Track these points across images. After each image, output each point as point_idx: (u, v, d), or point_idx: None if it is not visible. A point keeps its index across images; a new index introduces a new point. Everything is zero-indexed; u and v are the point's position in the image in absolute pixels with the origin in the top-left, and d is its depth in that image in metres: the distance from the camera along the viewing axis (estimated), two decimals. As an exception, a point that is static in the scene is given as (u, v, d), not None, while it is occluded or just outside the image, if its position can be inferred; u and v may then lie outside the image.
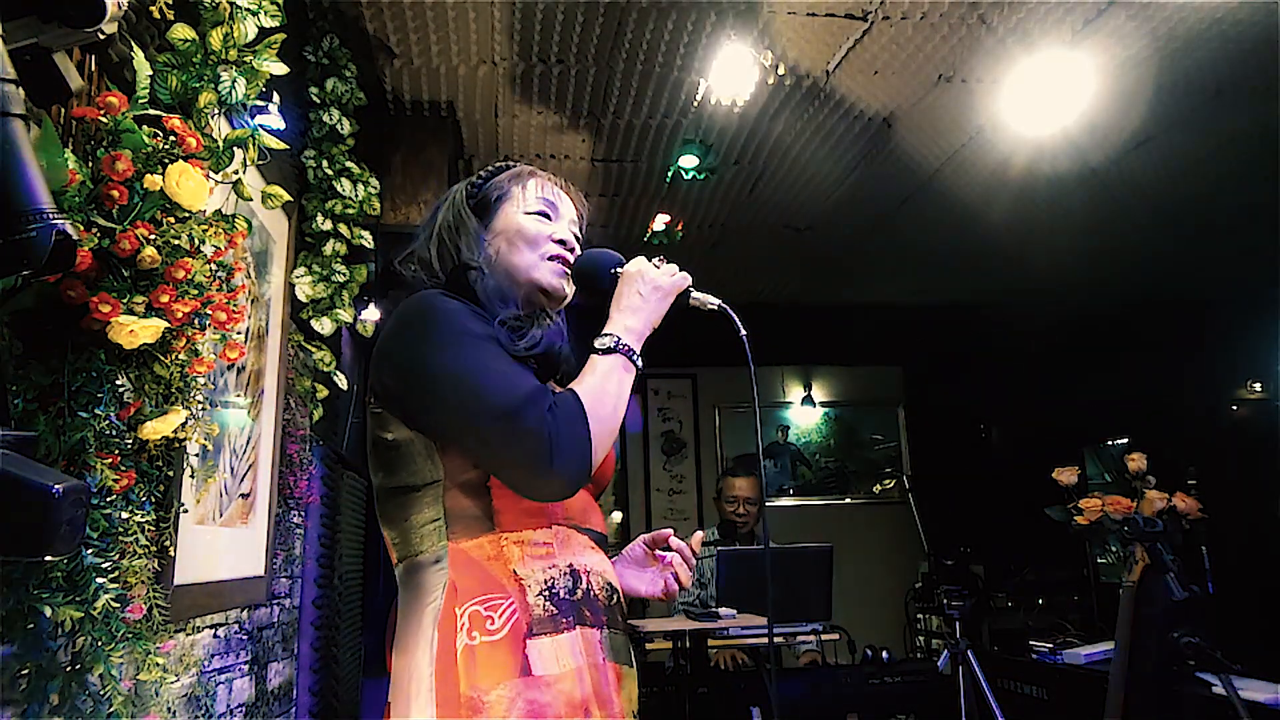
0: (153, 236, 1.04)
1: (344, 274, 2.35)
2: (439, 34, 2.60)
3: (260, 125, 1.43)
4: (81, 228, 0.98)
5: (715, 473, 6.13)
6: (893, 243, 4.36)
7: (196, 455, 1.46)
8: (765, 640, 2.90)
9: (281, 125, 1.68)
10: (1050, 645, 3.04)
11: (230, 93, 1.32)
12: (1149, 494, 2.33)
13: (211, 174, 1.24)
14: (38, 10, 0.84)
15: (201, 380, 1.19)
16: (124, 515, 1.03)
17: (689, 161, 3.31)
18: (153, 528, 1.11)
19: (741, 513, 3.42)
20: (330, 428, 2.59)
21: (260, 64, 1.37)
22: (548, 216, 1.19)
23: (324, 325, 2.31)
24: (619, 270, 1.15)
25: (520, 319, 1.10)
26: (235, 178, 1.34)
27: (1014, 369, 5.77)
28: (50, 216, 0.77)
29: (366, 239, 2.42)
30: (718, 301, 1.16)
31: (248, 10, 1.36)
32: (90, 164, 1.04)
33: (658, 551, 1.23)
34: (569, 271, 1.18)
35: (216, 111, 1.32)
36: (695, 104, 3.00)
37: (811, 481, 6.36)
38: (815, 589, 3.06)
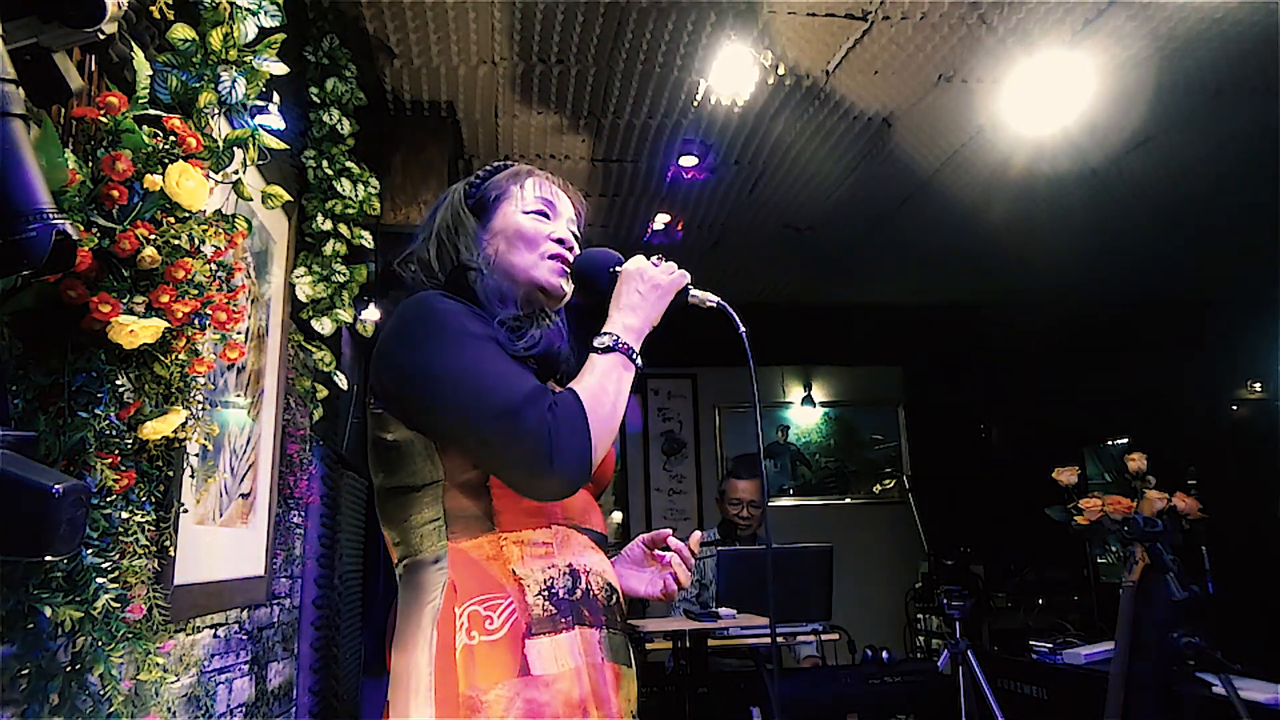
0: (153, 236, 1.04)
1: (344, 274, 2.35)
2: (439, 34, 2.60)
3: (260, 125, 1.43)
4: (81, 228, 0.98)
5: (715, 473, 6.14)
6: (893, 243, 4.36)
7: (196, 455, 1.46)
8: (766, 640, 2.90)
9: (281, 125, 1.68)
10: (1050, 645, 3.04)
11: (230, 93, 1.32)
12: (1149, 494, 2.33)
13: (211, 174, 1.24)
14: (38, 10, 0.84)
15: (201, 380, 1.19)
16: (124, 515, 1.03)
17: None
18: (153, 528, 1.11)
19: (745, 516, 3.41)
20: (330, 428, 2.59)
21: (260, 64, 1.37)
22: (546, 216, 1.19)
23: (324, 325, 2.31)
24: (618, 269, 1.15)
25: (520, 319, 1.11)
26: (235, 178, 1.34)
27: (1014, 369, 5.77)
28: (50, 216, 0.77)
29: (366, 239, 2.42)
30: (716, 299, 1.16)
31: (248, 10, 1.36)
32: (90, 164, 1.04)
33: (656, 552, 1.23)
34: (568, 271, 1.18)
35: (216, 111, 1.32)
36: (695, 104, 3.00)
37: (811, 481, 6.36)
38: (815, 589, 3.06)
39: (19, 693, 0.93)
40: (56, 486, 0.75)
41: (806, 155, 3.43)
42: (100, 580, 0.97)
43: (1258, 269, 4.30)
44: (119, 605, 1.01)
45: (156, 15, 1.25)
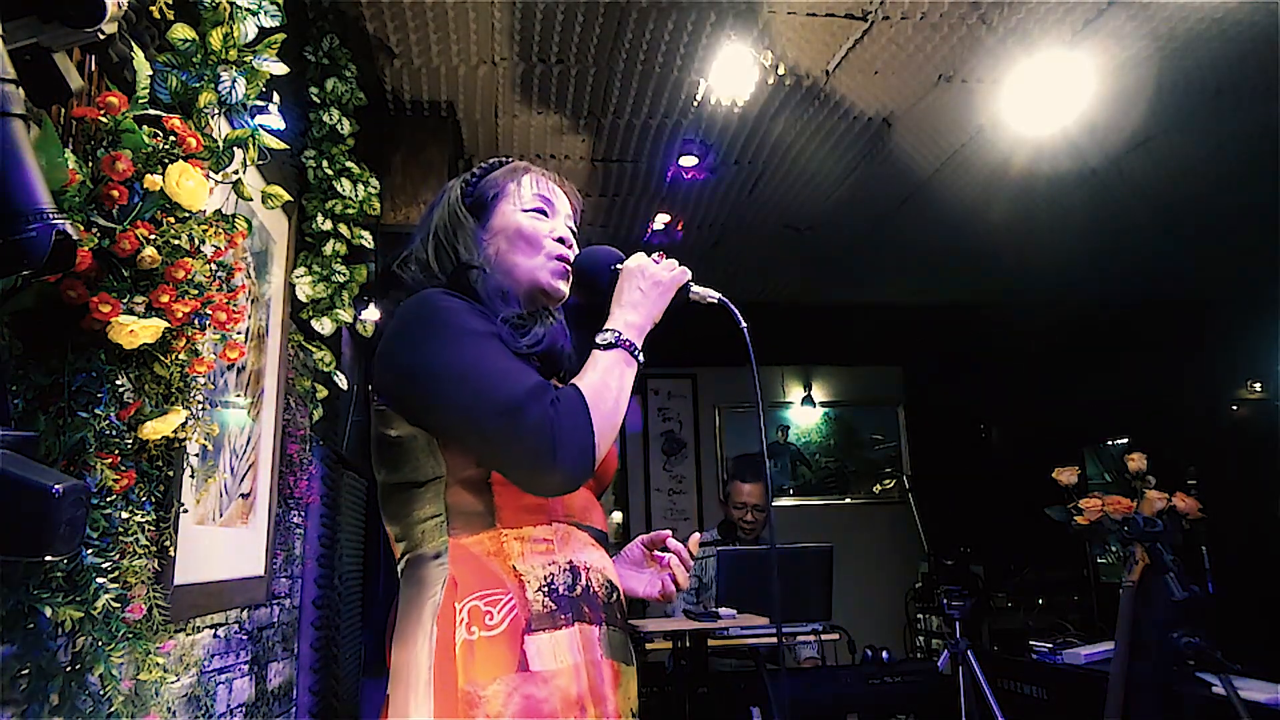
0: (153, 236, 1.05)
1: (344, 274, 2.35)
2: (439, 34, 2.60)
3: (260, 125, 1.43)
4: (81, 228, 0.98)
5: (715, 472, 6.14)
6: (893, 243, 4.36)
7: (196, 455, 1.46)
8: (765, 640, 2.90)
9: (281, 125, 1.68)
10: (1050, 645, 3.04)
11: (230, 93, 1.32)
12: (1149, 494, 2.33)
13: (211, 174, 1.24)
14: (38, 10, 0.84)
15: (201, 380, 1.19)
16: (124, 515, 1.03)
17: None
18: (153, 528, 1.11)
19: (750, 520, 3.41)
20: (330, 428, 2.59)
21: (260, 64, 1.37)
22: (544, 213, 1.20)
23: (324, 325, 2.31)
24: (619, 267, 1.16)
25: (523, 317, 1.11)
26: (235, 178, 1.34)
27: (1014, 369, 5.77)
28: (50, 216, 0.77)
29: (366, 239, 2.42)
30: (718, 295, 1.17)
31: (248, 10, 1.36)
32: (90, 164, 1.04)
33: (656, 553, 1.23)
34: (568, 272, 1.18)
35: (216, 111, 1.32)
36: (695, 104, 3.00)
37: (811, 481, 6.36)
38: (815, 589, 3.05)
39: (19, 693, 0.93)
40: (56, 486, 0.75)
41: (806, 155, 3.43)
42: (100, 580, 0.97)
43: (1258, 269, 4.30)
44: (119, 605, 1.01)
45: (156, 15, 1.25)
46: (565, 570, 1.03)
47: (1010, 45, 2.69)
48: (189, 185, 1.08)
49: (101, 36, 0.89)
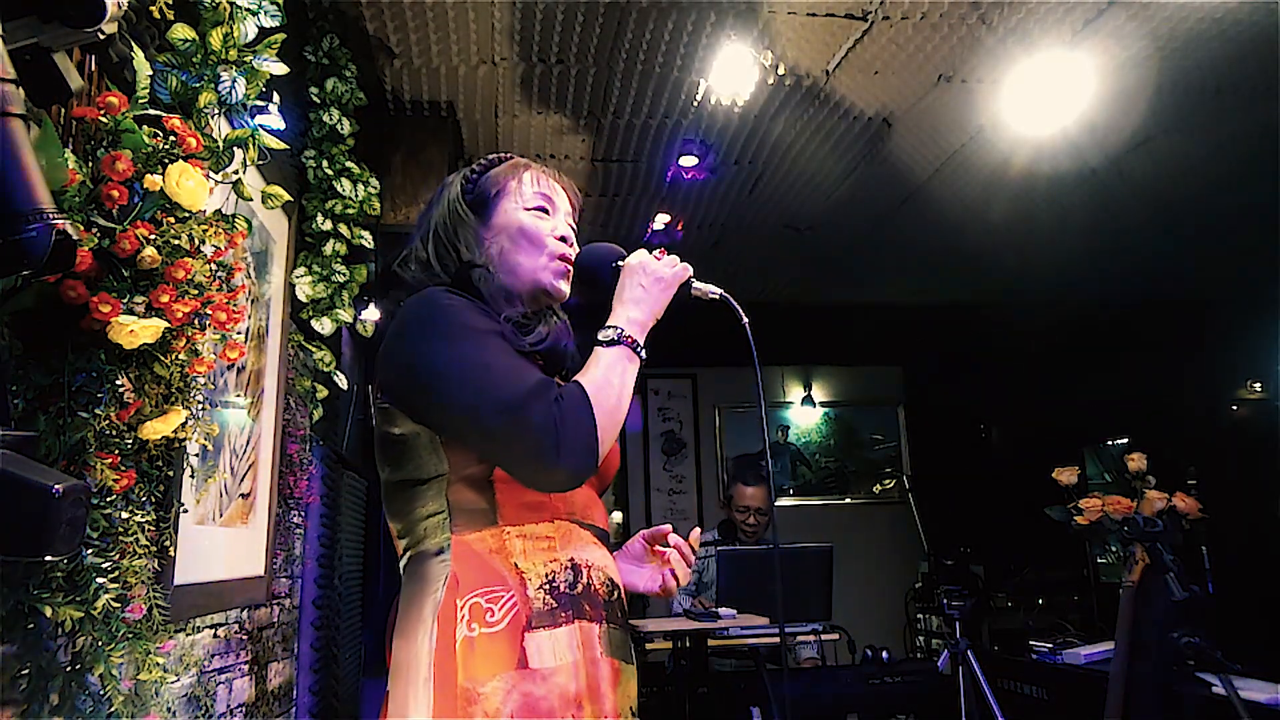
0: (153, 236, 1.05)
1: (344, 274, 2.35)
2: (439, 34, 2.60)
3: (260, 125, 1.43)
4: (81, 228, 0.98)
5: (715, 473, 6.14)
6: (893, 243, 4.36)
7: (196, 455, 1.46)
8: (765, 640, 2.90)
9: (281, 125, 1.68)
10: (1050, 645, 3.04)
11: (230, 93, 1.32)
12: (1149, 494, 2.33)
13: (211, 174, 1.24)
14: (38, 10, 0.84)
15: (201, 380, 1.19)
16: (124, 515, 1.03)
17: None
18: (153, 528, 1.11)
19: (752, 523, 3.40)
20: (330, 428, 2.59)
21: (260, 64, 1.37)
22: (545, 211, 1.20)
23: (324, 325, 2.31)
24: (620, 264, 1.16)
25: (527, 316, 1.12)
26: (235, 178, 1.34)
27: (1014, 369, 5.77)
28: (50, 216, 0.77)
29: (366, 239, 2.42)
30: (719, 291, 1.17)
31: (248, 10, 1.36)
32: (90, 164, 1.04)
33: (657, 548, 1.23)
34: (570, 270, 1.18)
35: (216, 111, 1.32)
36: (695, 104, 3.00)
37: (811, 481, 6.36)
38: (815, 589, 3.05)
39: (19, 693, 0.93)
40: (56, 486, 0.75)
41: (806, 155, 3.43)
42: (100, 580, 0.97)
43: (1258, 269, 4.30)
44: (119, 605, 1.01)
45: (156, 15, 1.25)
46: (567, 568, 1.03)
47: (1010, 45, 2.69)
48: (189, 185, 1.08)
49: (101, 36, 0.89)
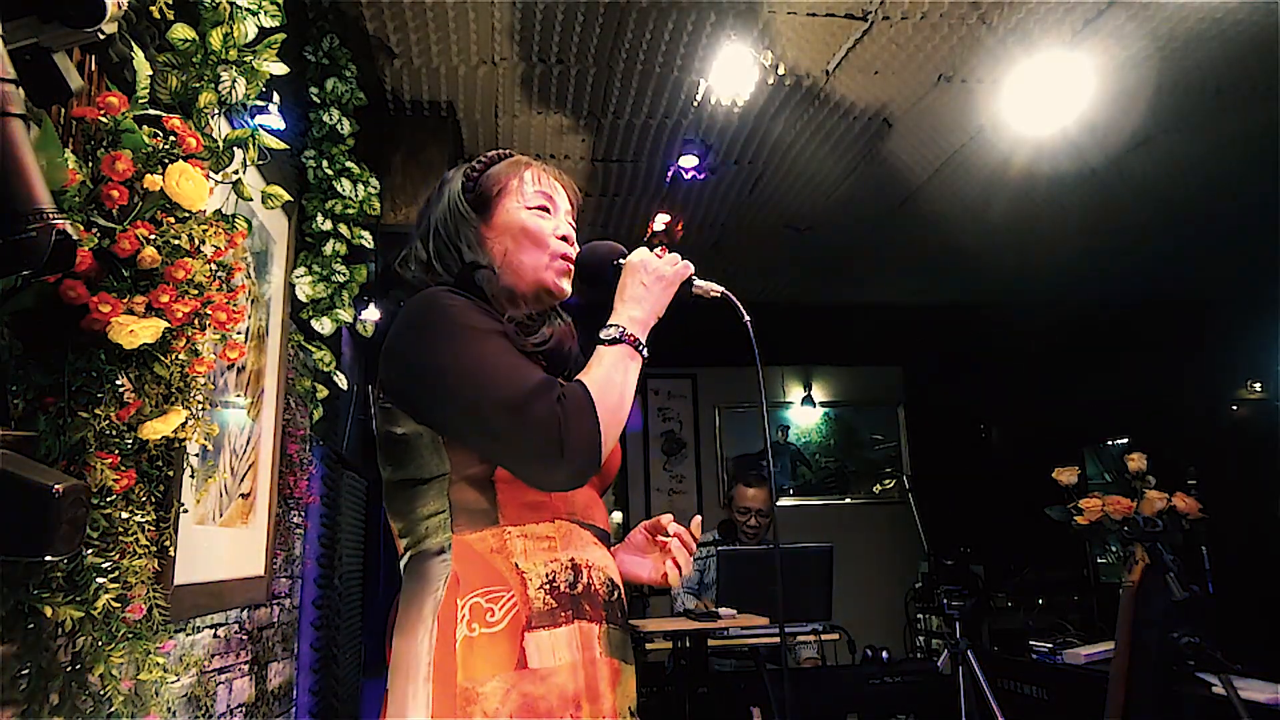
0: (153, 236, 1.05)
1: (344, 274, 2.35)
2: (439, 34, 2.60)
3: (260, 125, 1.43)
4: (81, 228, 0.98)
5: (715, 473, 6.14)
6: (893, 243, 4.36)
7: (196, 455, 1.46)
8: (765, 640, 2.90)
9: (281, 125, 1.68)
10: (1050, 645, 3.04)
11: (230, 93, 1.32)
12: (1149, 494, 2.33)
13: (211, 174, 1.24)
14: (38, 10, 0.84)
15: (201, 380, 1.19)
16: (124, 515, 1.03)
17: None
18: (153, 528, 1.11)
19: (753, 524, 3.40)
20: (330, 428, 2.59)
21: (260, 64, 1.37)
22: (547, 210, 1.20)
23: (324, 325, 2.31)
24: (621, 262, 1.16)
25: (532, 318, 1.12)
26: (235, 178, 1.34)
27: (1014, 369, 5.77)
28: (50, 216, 0.77)
29: (366, 239, 2.42)
30: (720, 289, 1.17)
31: (248, 10, 1.36)
32: (90, 164, 1.04)
33: (659, 538, 1.24)
34: (571, 270, 1.18)
35: (216, 111, 1.32)
36: (695, 104, 3.00)
37: (811, 481, 6.36)
38: (815, 589, 3.06)
39: (19, 693, 0.93)
40: (56, 486, 0.75)
41: (806, 155, 3.43)
42: (100, 580, 0.97)
43: (1258, 269, 4.30)
44: (119, 605, 1.01)
45: (156, 15, 1.25)
46: (567, 568, 1.03)
47: (1010, 45, 2.69)
48: (189, 185, 1.08)
49: (101, 36, 0.89)
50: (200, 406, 1.18)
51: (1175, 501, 2.32)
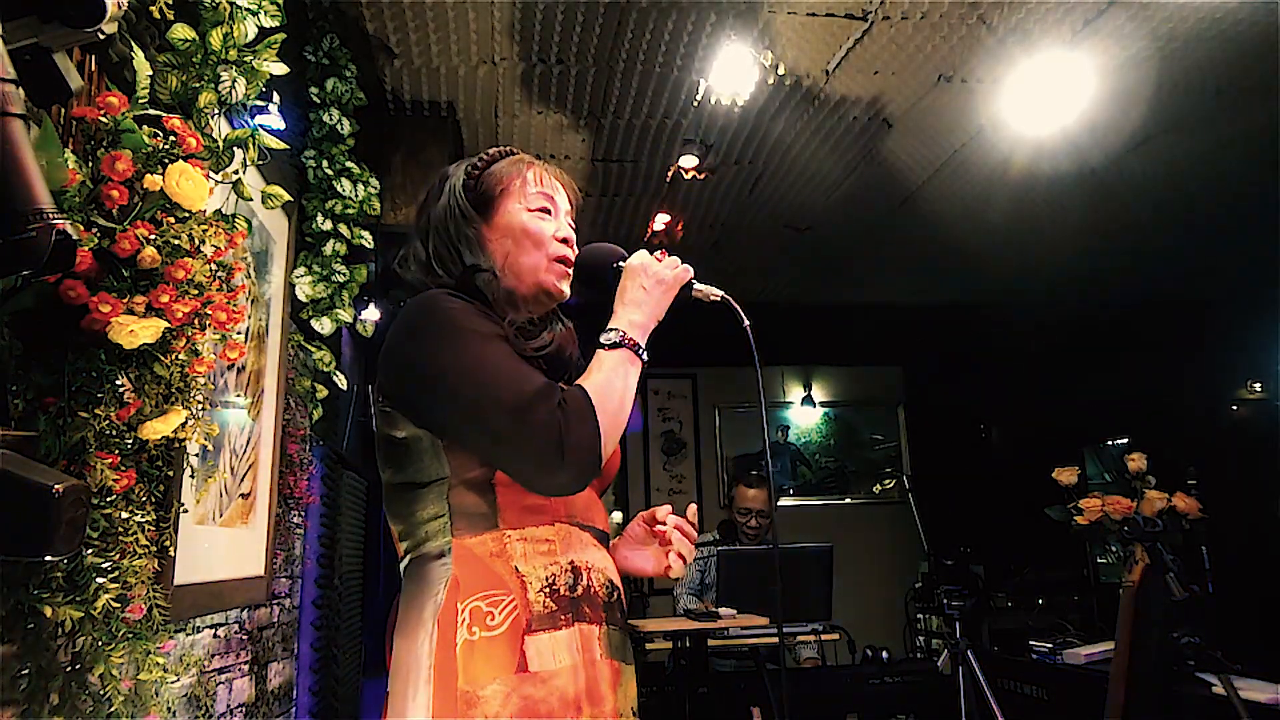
0: (153, 236, 1.04)
1: (344, 274, 2.35)
2: (439, 34, 2.60)
3: (260, 125, 1.43)
4: (81, 228, 0.98)
5: (715, 472, 6.14)
6: (893, 243, 4.36)
7: (196, 455, 1.46)
8: (765, 640, 2.90)
9: (281, 125, 1.68)
10: (1050, 645, 3.04)
11: (230, 93, 1.32)
12: (1149, 494, 2.33)
13: (211, 174, 1.24)
14: (38, 10, 0.84)
15: (201, 380, 1.19)
16: (124, 515, 1.03)
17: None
18: (153, 528, 1.11)
19: (754, 525, 3.40)
20: (330, 428, 2.59)
21: (260, 64, 1.37)
22: (548, 211, 1.19)
23: (324, 325, 2.31)
24: (621, 265, 1.15)
25: (533, 322, 1.12)
26: (235, 178, 1.34)
27: (1014, 369, 5.77)
28: (50, 216, 0.77)
29: (366, 239, 2.42)
30: (720, 293, 1.17)
31: (248, 10, 1.36)
32: (90, 164, 1.04)
33: (658, 529, 1.24)
34: (570, 272, 1.18)
35: (216, 111, 1.32)
36: (695, 104, 3.00)
37: (811, 481, 6.36)
38: (815, 589, 3.06)
39: (19, 693, 0.93)
40: (56, 486, 0.75)
41: (806, 155, 3.43)
42: (100, 580, 0.97)
43: (1258, 269, 4.30)
44: (119, 605, 1.01)
45: (156, 15, 1.25)
46: (567, 571, 1.03)
47: (1010, 45, 2.69)
48: (189, 185, 1.08)
49: (101, 36, 0.89)
50: (200, 406, 1.18)
51: (1175, 501, 2.32)
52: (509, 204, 1.18)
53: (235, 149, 1.32)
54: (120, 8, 0.90)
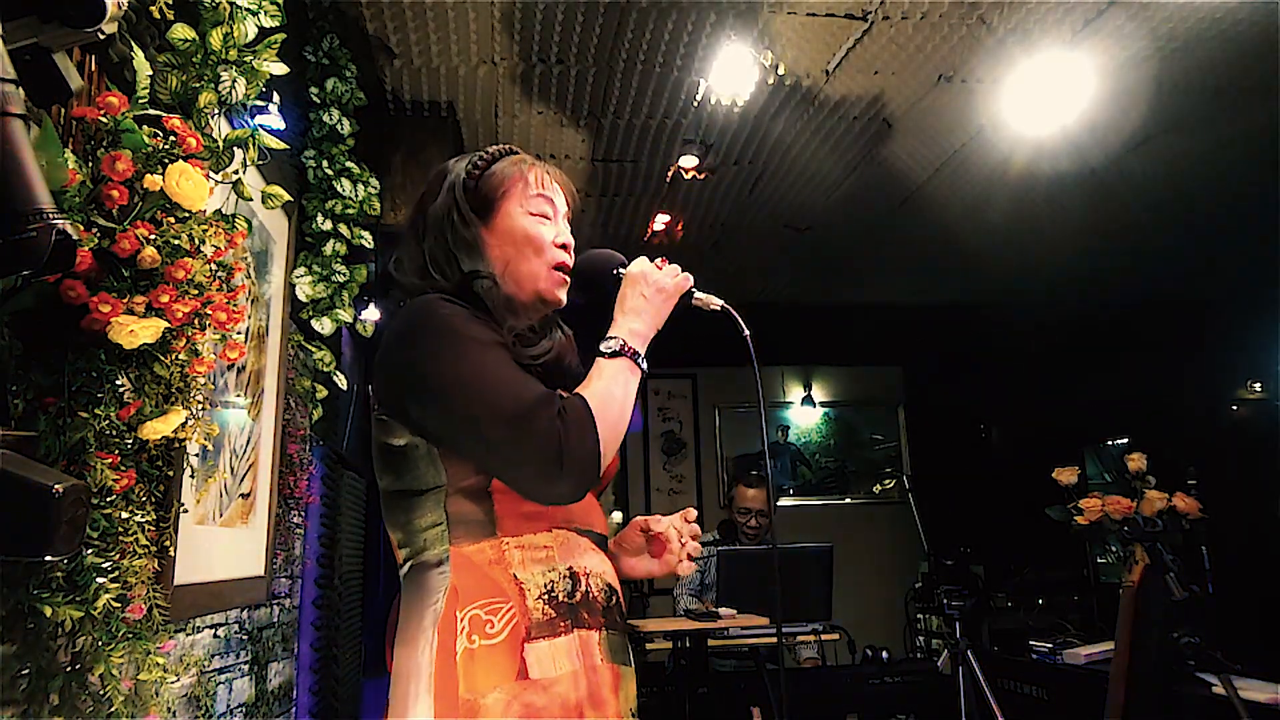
0: (153, 236, 1.04)
1: (344, 274, 2.35)
2: (439, 34, 2.60)
3: (260, 125, 1.43)
4: (81, 228, 0.98)
5: (715, 473, 6.14)
6: (893, 243, 4.36)
7: (196, 455, 1.46)
8: (765, 640, 2.90)
9: (281, 125, 1.69)
10: (1050, 645, 3.04)
11: (230, 93, 1.32)
12: (1149, 494, 2.33)
13: (211, 174, 1.24)
14: (38, 10, 0.84)
15: (201, 380, 1.19)
16: (124, 515, 1.03)
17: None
18: (153, 528, 1.11)
19: (754, 525, 3.40)
20: (330, 428, 2.59)
21: (260, 64, 1.37)
22: (548, 216, 1.19)
23: (324, 325, 2.31)
24: (621, 271, 1.15)
25: (534, 330, 1.11)
26: (235, 178, 1.34)
27: (1014, 369, 5.77)
28: (50, 216, 0.77)
29: (366, 239, 2.42)
30: (721, 303, 1.16)
31: (248, 10, 1.36)
32: (90, 164, 1.04)
33: (654, 532, 1.24)
34: (568, 280, 1.18)
35: (216, 111, 1.32)
36: (695, 104, 3.00)
37: (811, 481, 6.36)
38: (815, 589, 3.06)
39: (19, 693, 0.93)
40: (56, 486, 0.75)
41: (806, 155, 3.43)
42: (100, 580, 0.97)
43: (1258, 269, 4.30)
44: (119, 605, 1.01)
45: (156, 15, 1.25)
46: (565, 577, 1.03)
47: (1010, 45, 2.69)
48: (189, 185, 1.08)
49: (101, 36, 0.89)
50: (200, 406, 1.18)
51: (1175, 501, 2.32)
52: (509, 207, 1.16)
53: (235, 149, 1.32)
54: (120, 8, 0.90)
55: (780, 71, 2.80)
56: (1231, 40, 2.67)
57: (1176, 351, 5.10)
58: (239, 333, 1.74)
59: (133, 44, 1.19)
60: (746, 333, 1.14)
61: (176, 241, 1.07)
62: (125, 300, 1.00)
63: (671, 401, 6.24)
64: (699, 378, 6.25)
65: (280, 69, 1.41)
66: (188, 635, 1.56)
